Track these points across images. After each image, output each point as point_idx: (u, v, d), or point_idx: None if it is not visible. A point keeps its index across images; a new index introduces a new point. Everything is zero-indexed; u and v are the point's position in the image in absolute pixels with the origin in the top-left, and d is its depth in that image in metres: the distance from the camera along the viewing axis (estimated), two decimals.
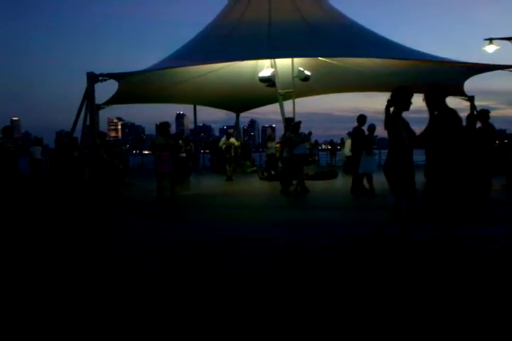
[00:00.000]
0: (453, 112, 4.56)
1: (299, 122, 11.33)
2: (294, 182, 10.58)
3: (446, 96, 4.69)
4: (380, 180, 7.03)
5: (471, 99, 16.58)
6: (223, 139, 16.37)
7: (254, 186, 13.54)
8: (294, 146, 10.43)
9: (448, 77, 15.04)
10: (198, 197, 10.69)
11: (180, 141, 14.44)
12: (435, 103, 4.61)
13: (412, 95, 4.73)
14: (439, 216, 4.43)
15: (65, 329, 2.79)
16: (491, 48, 17.15)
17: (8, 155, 10.10)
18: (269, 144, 16.16)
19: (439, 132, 4.44)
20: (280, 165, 12.58)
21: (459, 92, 16.44)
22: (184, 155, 14.71)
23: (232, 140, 16.23)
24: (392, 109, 4.69)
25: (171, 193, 9.50)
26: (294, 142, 10.45)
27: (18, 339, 2.70)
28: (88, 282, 3.80)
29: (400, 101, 4.67)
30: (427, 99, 4.64)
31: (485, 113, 8.24)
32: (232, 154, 16.09)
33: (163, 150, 9.64)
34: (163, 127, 10.21)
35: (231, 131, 17.86)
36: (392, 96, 4.70)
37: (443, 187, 4.40)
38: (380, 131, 10.71)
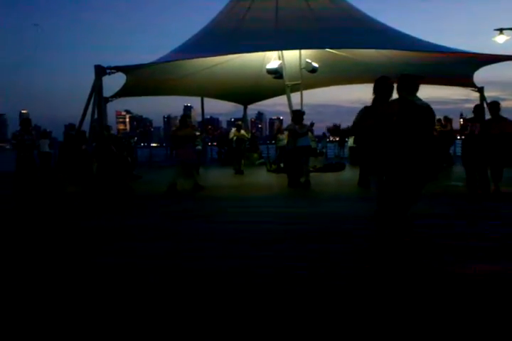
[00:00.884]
0: (394, 105, 4.28)
1: (303, 113, 11.18)
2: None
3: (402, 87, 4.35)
4: None
5: (480, 90, 16.42)
6: (233, 131, 15.88)
7: (266, 179, 13.40)
8: (297, 138, 10.34)
9: (458, 68, 14.90)
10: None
11: (198, 133, 14.32)
12: (384, 94, 4.49)
13: (392, 87, 4.54)
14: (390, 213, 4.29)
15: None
16: (501, 38, 16.93)
17: (25, 149, 10.28)
18: (280, 136, 16.09)
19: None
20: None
21: (469, 83, 16.28)
22: (200, 147, 14.63)
23: (243, 132, 15.81)
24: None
25: (194, 183, 9.86)
26: (298, 134, 10.36)
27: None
28: (92, 276, 3.83)
29: (382, 92, 4.58)
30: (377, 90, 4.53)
31: (495, 104, 8.13)
32: (243, 147, 15.62)
33: (186, 141, 9.94)
34: (184, 119, 10.54)
35: (240, 122, 17.51)
36: (375, 85, 4.64)
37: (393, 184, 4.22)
38: None
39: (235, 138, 15.36)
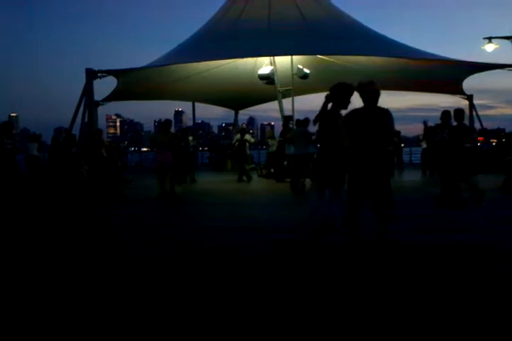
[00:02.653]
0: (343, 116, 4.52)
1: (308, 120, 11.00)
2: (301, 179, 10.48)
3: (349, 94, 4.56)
4: None
5: (469, 97, 16.63)
6: (237, 136, 14.79)
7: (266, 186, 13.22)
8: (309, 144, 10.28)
9: (447, 75, 15.10)
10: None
11: (191, 138, 14.03)
12: (339, 101, 4.55)
13: (351, 93, 4.58)
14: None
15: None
16: (490, 47, 17.20)
17: (6, 153, 9.51)
18: (270, 142, 15.98)
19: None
20: (285, 162, 12.26)
21: (458, 91, 16.50)
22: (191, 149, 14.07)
23: (248, 136, 14.87)
24: (330, 105, 4.58)
25: (170, 190, 9.40)
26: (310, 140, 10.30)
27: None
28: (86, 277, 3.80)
29: (338, 99, 4.56)
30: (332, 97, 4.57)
31: (459, 112, 8.22)
32: (249, 152, 14.85)
33: (163, 148, 9.53)
34: (165, 125, 10.07)
35: (244, 125, 16.80)
36: (330, 92, 4.59)
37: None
38: None
39: (237, 143, 14.46)
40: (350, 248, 4.44)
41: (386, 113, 4.48)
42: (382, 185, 4.42)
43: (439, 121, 8.07)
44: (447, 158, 7.77)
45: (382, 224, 4.49)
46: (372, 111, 4.48)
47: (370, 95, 4.46)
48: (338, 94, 4.56)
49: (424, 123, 8.81)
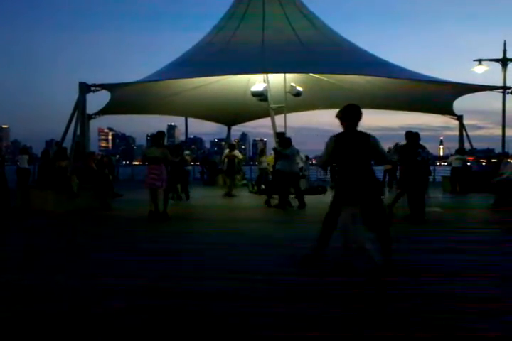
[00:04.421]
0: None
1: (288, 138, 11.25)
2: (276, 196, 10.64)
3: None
4: None
5: (459, 118, 16.82)
6: (226, 151, 14.89)
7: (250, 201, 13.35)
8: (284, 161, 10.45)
9: (438, 96, 15.28)
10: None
11: (188, 152, 13.82)
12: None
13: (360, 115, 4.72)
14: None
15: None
16: (480, 69, 17.49)
17: None
18: (261, 158, 16.04)
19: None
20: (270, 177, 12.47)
21: (449, 111, 16.69)
22: (190, 168, 14.02)
23: (236, 152, 15.09)
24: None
25: (163, 210, 8.74)
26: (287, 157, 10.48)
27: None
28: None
29: (354, 119, 4.64)
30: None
31: (408, 134, 8.69)
32: (239, 167, 14.97)
33: (156, 162, 8.65)
34: (158, 137, 9.04)
35: (235, 142, 16.96)
36: (348, 113, 4.69)
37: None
38: None
39: (226, 159, 14.52)
40: (310, 259, 4.57)
41: (368, 137, 4.56)
42: (372, 206, 4.43)
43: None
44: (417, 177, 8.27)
45: (384, 245, 4.48)
46: (355, 134, 4.58)
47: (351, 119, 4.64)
48: (355, 114, 4.65)
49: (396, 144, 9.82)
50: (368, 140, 4.49)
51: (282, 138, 11.27)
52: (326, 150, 4.61)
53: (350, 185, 4.40)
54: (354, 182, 4.43)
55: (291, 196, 10.78)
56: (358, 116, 4.62)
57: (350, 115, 4.63)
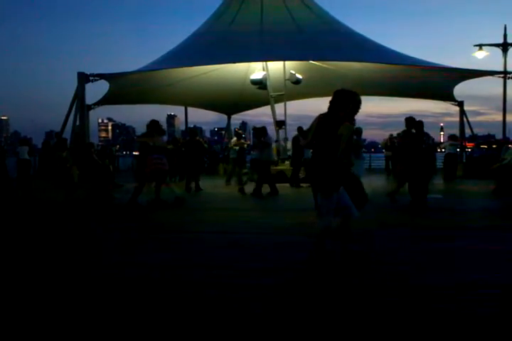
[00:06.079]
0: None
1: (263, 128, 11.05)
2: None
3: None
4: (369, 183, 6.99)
5: (460, 104, 16.77)
6: (234, 139, 14.24)
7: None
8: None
9: (438, 81, 15.22)
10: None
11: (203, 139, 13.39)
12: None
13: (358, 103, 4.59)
14: None
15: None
16: (480, 54, 17.38)
17: None
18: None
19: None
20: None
21: (449, 97, 16.63)
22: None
23: (243, 141, 14.35)
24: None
25: (155, 196, 8.68)
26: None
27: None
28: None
29: (346, 106, 4.46)
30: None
31: (409, 121, 8.60)
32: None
33: (158, 152, 8.49)
34: (155, 124, 8.67)
35: (240, 131, 16.53)
36: (340, 98, 4.50)
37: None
38: (367, 135, 10.79)
39: (237, 148, 13.69)
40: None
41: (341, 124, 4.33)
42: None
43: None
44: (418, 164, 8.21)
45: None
46: (331, 118, 4.41)
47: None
48: (348, 101, 4.50)
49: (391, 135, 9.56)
50: (338, 127, 4.28)
51: (261, 129, 10.93)
52: (310, 130, 4.59)
53: (308, 167, 4.36)
54: (311, 164, 4.43)
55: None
56: (341, 101, 4.49)
57: (333, 99, 4.55)
